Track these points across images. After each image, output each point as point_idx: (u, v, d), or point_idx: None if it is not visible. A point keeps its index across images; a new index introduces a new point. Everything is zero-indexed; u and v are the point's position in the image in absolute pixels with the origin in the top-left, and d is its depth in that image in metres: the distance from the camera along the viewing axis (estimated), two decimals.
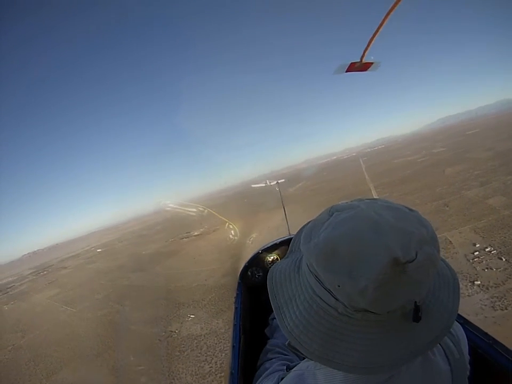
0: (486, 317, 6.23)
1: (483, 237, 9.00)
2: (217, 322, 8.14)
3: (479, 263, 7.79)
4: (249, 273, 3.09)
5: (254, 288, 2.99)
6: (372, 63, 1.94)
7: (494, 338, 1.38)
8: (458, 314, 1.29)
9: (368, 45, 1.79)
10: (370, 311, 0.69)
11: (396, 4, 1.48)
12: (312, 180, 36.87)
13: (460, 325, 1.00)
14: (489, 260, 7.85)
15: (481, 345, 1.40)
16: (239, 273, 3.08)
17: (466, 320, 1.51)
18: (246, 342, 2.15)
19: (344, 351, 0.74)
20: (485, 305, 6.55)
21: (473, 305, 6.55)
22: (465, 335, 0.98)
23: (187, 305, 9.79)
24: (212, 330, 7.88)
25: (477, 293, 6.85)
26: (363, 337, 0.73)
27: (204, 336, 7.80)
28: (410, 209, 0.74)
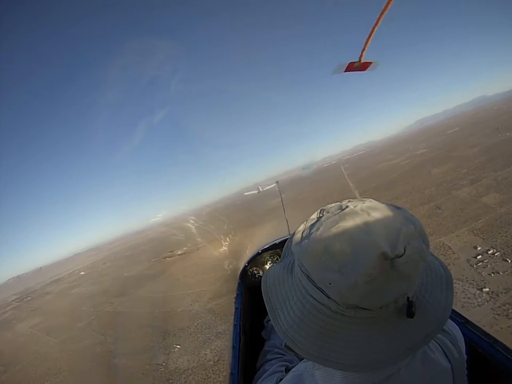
0: (501, 327, 5.72)
1: (483, 239, 8.51)
2: (205, 353, 7.42)
3: (484, 267, 7.27)
4: (249, 273, 3.25)
5: (254, 288, 3.14)
6: (371, 62, 1.90)
7: (494, 338, 1.42)
8: (459, 314, 1.55)
9: (365, 45, 1.75)
10: (363, 308, 0.73)
11: (389, 2, 1.44)
12: (294, 190, 36.65)
13: (455, 325, 1.03)
14: (494, 263, 7.35)
15: (482, 345, 1.44)
16: (239, 273, 3.23)
17: (467, 319, 1.57)
18: (246, 342, 2.24)
19: (339, 349, 0.76)
20: (498, 314, 6.05)
21: (486, 315, 6.04)
22: (461, 334, 1.01)
23: (173, 333, 9.06)
24: (200, 363, 7.15)
25: (487, 301, 6.34)
26: (357, 334, 0.75)
27: (192, 369, 7.05)
28: (398, 207, 0.80)
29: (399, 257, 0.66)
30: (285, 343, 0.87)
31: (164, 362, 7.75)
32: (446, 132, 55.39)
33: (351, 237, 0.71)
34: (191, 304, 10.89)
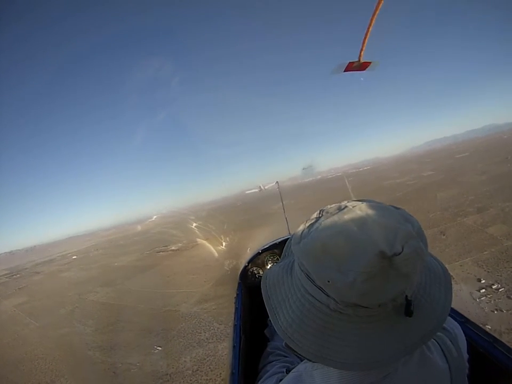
0: None
1: (488, 272, 8.11)
2: (184, 360, 6.99)
3: (487, 302, 6.87)
4: (249, 273, 3.24)
5: (254, 288, 3.14)
6: (370, 62, 1.87)
7: (494, 337, 1.43)
8: (459, 313, 1.68)
9: (363, 44, 1.74)
10: (361, 306, 0.72)
11: (379, 2, 1.45)
12: (296, 198, 36.35)
13: (457, 324, 1.04)
14: (498, 299, 6.95)
15: (482, 344, 1.43)
16: (239, 273, 3.21)
17: (467, 318, 1.60)
18: (247, 342, 2.19)
19: (337, 348, 0.75)
20: None
21: None
22: (463, 333, 1.02)
23: (155, 333, 8.65)
24: (179, 370, 6.72)
25: None
26: (356, 333, 0.75)
27: (170, 376, 6.59)
28: (396, 208, 0.83)
29: (396, 256, 0.66)
30: (285, 342, 0.86)
31: (138, 363, 7.35)
32: (455, 156, 55.12)
33: (350, 236, 0.71)
34: (177, 305, 10.51)
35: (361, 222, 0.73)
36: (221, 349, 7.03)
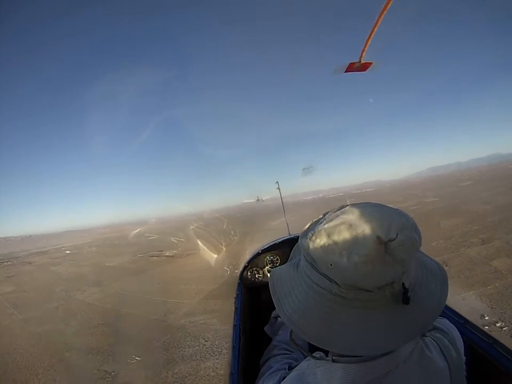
0: None
1: (491, 307, 7.71)
2: (166, 375, 6.49)
3: None
4: (249, 274, 3.25)
5: (254, 288, 3.21)
6: (371, 63, 1.90)
7: (494, 338, 1.49)
8: (459, 314, 1.71)
9: (365, 45, 1.77)
10: (362, 288, 0.78)
11: (388, 3, 1.48)
12: (296, 215, 36.10)
13: (454, 326, 1.08)
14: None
15: (481, 345, 1.49)
16: (239, 273, 3.23)
17: (467, 320, 1.64)
18: (246, 342, 2.20)
19: (339, 332, 0.81)
20: None
21: None
22: (460, 336, 1.05)
23: (136, 342, 8.20)
24: None
25: None
26: (356, 318, 0.81)
27: None
28: (393, 207, 0.90)
29: (391, 241, 0.73)
30: (290, 334, 1.00)
31: (113, 372, 6.90)
32: (458, 184, 54.84)
33: (351, 225, 0.79)
34: (165, 315, 10.06)
35: (361, 214, 0.82)
36: (203, 369, 6.54)
